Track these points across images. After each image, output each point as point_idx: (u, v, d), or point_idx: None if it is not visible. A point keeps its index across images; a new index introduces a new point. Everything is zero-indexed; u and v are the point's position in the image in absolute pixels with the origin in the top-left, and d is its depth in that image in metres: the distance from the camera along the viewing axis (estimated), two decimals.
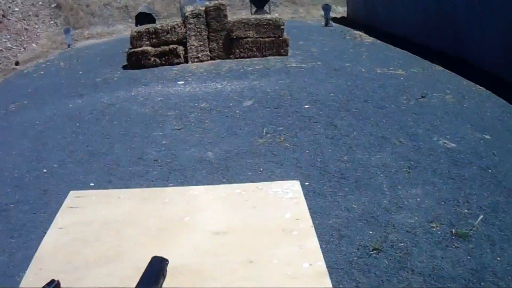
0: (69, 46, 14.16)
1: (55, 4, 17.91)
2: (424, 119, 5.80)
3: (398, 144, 5.03)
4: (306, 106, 6.29)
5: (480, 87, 7.33)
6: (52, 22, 17.13)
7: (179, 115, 6.33)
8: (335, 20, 15.05)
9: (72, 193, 2.24)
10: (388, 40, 10.90)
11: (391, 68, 8.30)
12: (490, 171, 4.46)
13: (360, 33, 11.85)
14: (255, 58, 9.27)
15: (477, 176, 4.35)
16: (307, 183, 4.18)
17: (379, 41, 11.00)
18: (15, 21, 15.39)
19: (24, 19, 15.94)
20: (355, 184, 4.19)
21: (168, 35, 9.38)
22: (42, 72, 10.79)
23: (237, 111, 6.25)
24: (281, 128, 5.58)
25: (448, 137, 5.25)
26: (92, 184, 4.57)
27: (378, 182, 4.21)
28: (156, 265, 1.31)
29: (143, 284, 1.21)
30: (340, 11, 17.17)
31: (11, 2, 16.13)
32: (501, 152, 4.92)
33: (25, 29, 15.50)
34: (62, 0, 17.86)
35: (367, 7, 14.46)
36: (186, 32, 9.38)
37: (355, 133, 5.37)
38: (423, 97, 6.70)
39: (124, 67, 9.57)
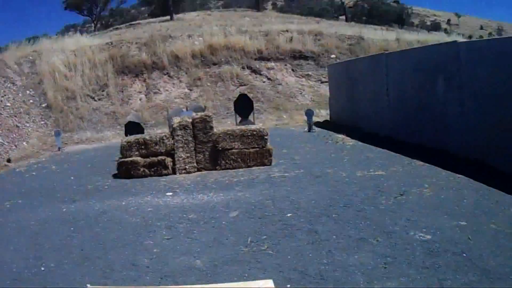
0: (59, 149, 14.85)
1: (45, 104, 18.65)
2: (401, 216, 6.05)
3: (376, 243, 5.21)
4: (289, 215, 6.54)
5: (459, 176, 7.72)
6: (42, 122, 17.82)
7: (168, 225, 6.54)
8: (318, 124, 15.68)
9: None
10: (370, 141, 11.42)
11: (371, 170, 8.67)
12: (464, 255, 4.64)
13: (343, 136, 12.39)
14: (240, 169, 9.63)
15: (451, 261, 4.50)
16: (288, 286, 4.34)
17: (360, 143, 11.51)
18: (7, 116, 16.03)
19: (15, 116, 16.58)
20: (333, 283, 4.31)
21: (157, 146, 9.79)
22: (34, 173, 11.29)
23: (224, 222, 6.47)
24: (264, 237, 5.78)
25: (424, 229, 5.46)
26: (88, 285, 4.68)
27: (356, 280, 4.35)
28: None
29: None
30: (323, 114, 17.93)
31: (2, 96, 16.83)
32: (476, 235, 5.14)
33: (17, 126, 16.07)
34: (52, 100, 18.68)
35: (349, 109, 15.11)
36: (174, 144, 9.76)
37: (334, 237, 5.57)
38: (401, 195, 6.99)
39: (115, 176, 9.93)
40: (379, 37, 26.02)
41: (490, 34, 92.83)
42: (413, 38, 27.44)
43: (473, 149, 8.63)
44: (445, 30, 79.43)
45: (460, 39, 26.92)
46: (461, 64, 8.99)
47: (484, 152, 8.35)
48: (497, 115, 8.03)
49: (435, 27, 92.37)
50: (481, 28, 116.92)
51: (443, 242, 5.05)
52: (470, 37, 65.45)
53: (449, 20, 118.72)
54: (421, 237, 5.25)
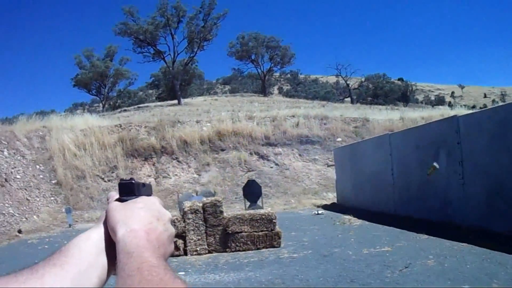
0: (70, 226, 15.28)
1: (55, 181, 19.02)
2: (406, 286, 6.25)
3: None
4: None
5: (462, 244, 7.99)
6: (52, 198, 18.16)
7: None
8: (325, 206, 15.90)
9: None
10: (376, 220, 11.64)
11: (377, 247, 8.88)
12: None
13: (349, 217, 12.60)
14: (250, 251, 9.86)
15: None
16: None
17: (367, 223, 11.71)
18: (17, 188, 16.37)
19: (26, 189, 16.94)
20: None
21: None
22: (46, 246, 11.56)
23: None
24: None
25: None
26: None
27: None
28: None
29: None
30: (330, 197, 18.11)
31: (13, 168, 17.25)
32: None
33: (27, 199, 16.43)
34: (62, 178, 19.09)
35: (355, 190, 15.41)
36: (185, 227, 10.08)
37: None
38: (406, 267, 7.19)
39: None
40: (384, 117, 26.67)
41: (493, 101, 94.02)
42: (417, 115, 28.07)
43: (474, 217, 8.91)
44: (449, 104, 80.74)
45: (463, 111, 27.63)
46: (461, 137, 9.42)
47: (484, 219, 8.62)
48: (496, 182, 8.38)
49: (439, 101, 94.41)
50: (485, 96, 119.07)
51: None
52: (473, 107, 66.69)
53: (453, 92, 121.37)
54: None
